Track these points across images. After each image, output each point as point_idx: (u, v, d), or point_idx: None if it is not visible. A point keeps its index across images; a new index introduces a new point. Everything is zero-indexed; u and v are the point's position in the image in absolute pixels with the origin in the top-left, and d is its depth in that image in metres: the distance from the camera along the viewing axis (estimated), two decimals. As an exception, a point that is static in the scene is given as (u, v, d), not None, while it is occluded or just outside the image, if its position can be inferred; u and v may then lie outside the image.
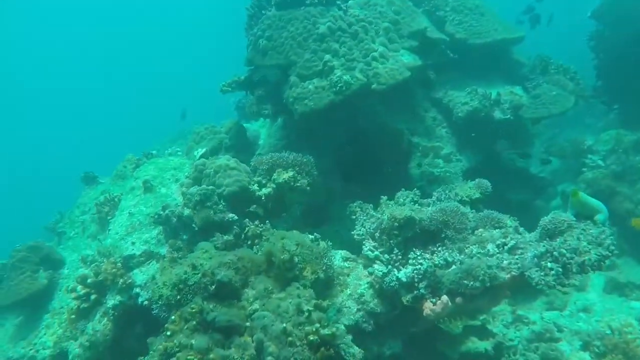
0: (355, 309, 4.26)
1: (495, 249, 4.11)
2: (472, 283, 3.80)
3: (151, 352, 3.66)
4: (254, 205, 4.96)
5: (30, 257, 6.00)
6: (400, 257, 4.30)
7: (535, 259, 3.79)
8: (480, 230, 4.38)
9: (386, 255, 4.36)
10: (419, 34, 6.09)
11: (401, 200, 4.98)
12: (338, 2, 5.91)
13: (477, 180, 5.28)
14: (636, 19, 7.91)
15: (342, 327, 4.14)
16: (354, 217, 5.04)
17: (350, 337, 4.02)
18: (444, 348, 5.02)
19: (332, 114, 5.60)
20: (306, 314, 3.53)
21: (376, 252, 4.41)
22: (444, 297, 3.89)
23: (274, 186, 4.93)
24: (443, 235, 4.38)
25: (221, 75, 6.76)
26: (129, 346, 4.88)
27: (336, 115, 5.75)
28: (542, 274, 3.66)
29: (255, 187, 4.99)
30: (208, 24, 39.68)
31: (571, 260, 3.61)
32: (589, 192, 7.67)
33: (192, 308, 3.64)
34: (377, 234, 4.52)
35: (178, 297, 3.84)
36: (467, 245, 4.25)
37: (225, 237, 4.59)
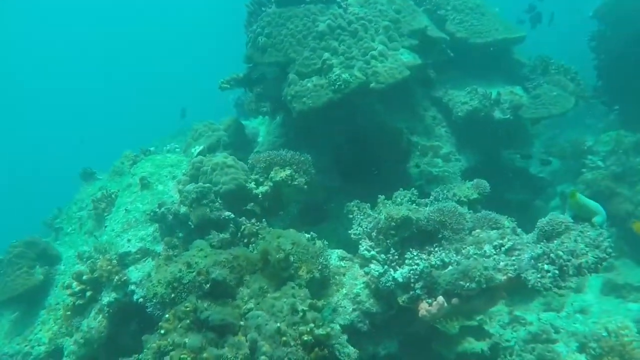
0: (351, 309, 4.25)
1: (492, 250, 4.09)
2: (468, 284, 3.79)
3: (145, 350, 3.65)
4: (251, 204, 4.94)
5: (27, 252, 5.97)
6: (396, 257, 4.28)
7: (532, 260, 3.77)
8: (478, 231, 4.37)
9: (382, 255, 4.34)
10: (420, 33, 6.06)
11: (399, 199, 4.97)
12: (338, 0, 5.88)
13: (475, 180, 5.26)
14: (637, 20, 7.86)
15: (338, 326, 4.12)
16: (351, 216, 5.02)
17: (345, 336, 4.00)
18: (440, 348, 5.00)
19: (330, 113, 5.57)
20: (301, 313, 3.51)
21: (373, 252, 4.39)
22: (440, 298, 3.88)
23: (271, 184, 4.91)
24: (440, 236, 4.36)
25: (222, 74, 6.74)
26: (124, 343, 4.86)
27: (335, 113, 5.72)
28: (538, 276, 3.64)
29: (253, 185, 4.97)
30: (208, 23, 39.66)
31: (568, 263, 3.59)
32: (589, 193, 7.69)
33: (186, 307, 3.63)
34: (374, 234, 4.50)
35: (172, 295, 3.82)
36: (464, 246, 4.23)
37: (222, 235, 4.57)
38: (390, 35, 5.75)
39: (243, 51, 6.30)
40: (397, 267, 4.22)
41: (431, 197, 5.19)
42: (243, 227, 4.61)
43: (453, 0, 7.68)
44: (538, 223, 4.12)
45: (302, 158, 5.12)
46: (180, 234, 4.77)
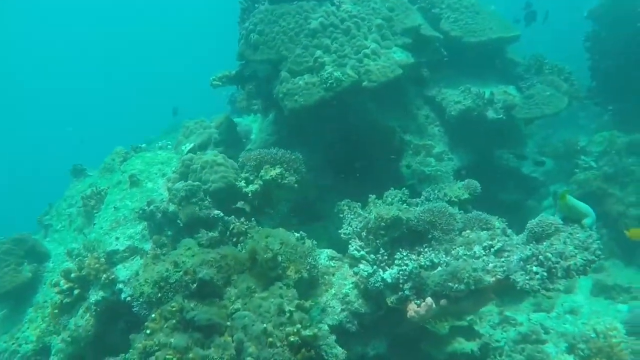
0: (340, 309, 4.23)
1: (482, 251, 4.07)
2: (456, 285, 3.77)
3: (131, 350, 3.62)
4: (241, 202, 4.90)
5: (15, 249, 5.92)
6: (386, 257, 4.26)
7: (521, 262, 3.76)
8: (468, 231, 4.35)
9: (372, 255, 4.31)
10: (413, 31, 6.02)
11: (389, 199, 4.94)
12: (331, -2, 5.84)
13: (466, 180, 5.24)
14: (633, 21, 7.85)
15: (326, 327, 4.11)
16: (341, 215, 4.99)
17: (333, 337, 3.99)
18: (429, 348, 4.99)
19: (322, 111, 5.54)
20: (287, 314, 3.49)
21: (362, 252, 4.37)
22: (428, 299, 3.86)
23: (261, 183, 4.88)
24: (430, 236, 4.35)
25: (219, 72, 6.72)
26: (112, 342, 4.83)
27: (327, 111, 5.69)
28: (527, 277, 3.62)
29: (242, 183, 4.93)
30: (206, 21, 39.50)
31: (556, 265, 3.58)
32: (581, 193, 7.70)
33: (173, 306, 3.60)
34: (364, 234, 4.48)
35: (159, 294, 3.79)
36: (453, 247, 4.22)
37: (210, 234, 4.54)
38: (383, 33, 5.72)
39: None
40: (387, 268, 4.20)
41: (422, 197, 5.17)
42: (232, 225, 4.57)
43: (447, -2, 7.64)
44: (528, 224, 4.11)
45: (293, 156, 5.09)
46: (169, 232, 4.73)
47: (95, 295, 4.75)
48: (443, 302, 3.87)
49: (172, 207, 4.65)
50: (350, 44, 5.52)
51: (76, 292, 4.98)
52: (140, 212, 4.85)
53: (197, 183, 4.69)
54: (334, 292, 4.33)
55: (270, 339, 3.36)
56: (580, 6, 9.38)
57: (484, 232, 4.29)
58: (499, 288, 3.96)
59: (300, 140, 6.12)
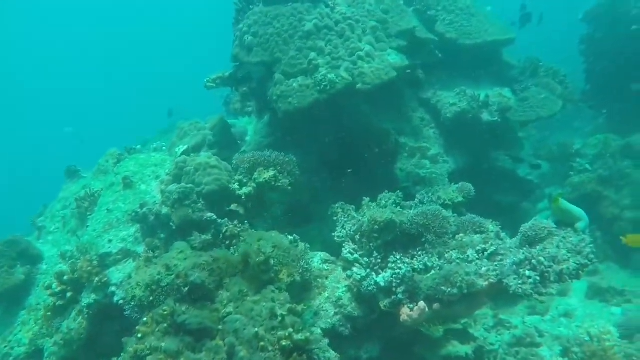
0: (333, 313, 4.22)
1: (475, 255, 4.07)
2: (449, 289, 3.76)
3: (122, 354, 3.60)
4: (234, 205, 4.88)
5: (7, 251, 5.87)
6: (379, 260, 4.25)
7: (514, 266, 3.75)
8: (461, 235, 4.35)
9: (365, 259, 4.31)
10: (408, 34, 6.01)
11: (383, 202, 4.93)
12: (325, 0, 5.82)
13: (460, 183, 5.24)
14: (627, 24, 7.87)
15: (319, 330, 4.10)
16: (335, 218, 4.98)
17: (327, 341, 3.98)
18: (423, 352, 4.98)
19: (317, 113, 5.52)
20: (279, 318, 3.48)
21: (355, 255, 4.36)
22: (421, 303, 3.85)
23: (255, 185, 4.86)
24: (423, 240, 4.34)
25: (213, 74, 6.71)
26: (105, 345, 4.80)
27: (321, 114, 5.67)
28: (519, 282, 3.62)
29: (236, 186, 4.91)
30: (207, 22, 39.39)
31: (549, 269, 3.57)
32: (576, 196, 7.71)
33: (164, 310, 3.58)
34: (357, 237, 4.47)
35: (151, 298, 3.77)
36: (447, 250, 4.21)
37: (203, 237, 4.51)
38: (377, 35, 5.71)
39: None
40: (380, 271, 4.19)
41: (416, 199, 5.17)
42: (225, 228, 4.55)
43: (443, 0, 7.64)
44: (521, 228, 4.11)
45: (287, 159, 5.07)
46: (162, 235, 4.71)
47: (87, 298, 4.72)
48: (436, 306, 3.86)
49: (165, 210, 4.63)
50: (345, 46, 5.51)
51: (69, 294, 4.95)
52: (133, 214, 4.82)
53: (190, 185, 4.66)
54: (327, 295, 4.32)
55: (262, 343, 3.34)
56: (578, 8, 9.37)
57: (478, 235, 4.29)
58: (492, 292, 3.96)
59: (294, 143, 6.10)
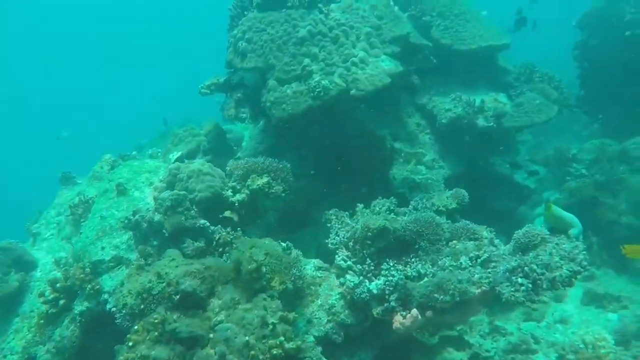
0: (326, 320, 4.19)
1: (468, 262, 4.05)
2: (442, 297, 3.74)
3: (113, 362, 3.59)
4: (228, 212, 4.86)
5: (1, 258, 5.85)
6: (372, 267, 4.23)
7: (507, 273, 3.73)
8: (455, 242, 4.33)
9: (359, 266, 4.29)
10: (402, 40, 6.02)
11: (377, 209, 4.91)
12: (320, 5, 5.82)
13: (454, 190, 5.22)
14: (621, 29, 7.89)
15: (312, 338, 4.08)
16: (329, 225, 4.96)
17: (319, 348, 3.96)
18: (418, 359, 4.97)
19: (311, 119, 5.53)
20: (270, 326, 3.46)
21: (349, 262, 4.34)
22: (414, 311, 3.83)
23: (248, 192, 4.84)
24: (417, 246, 4.32)
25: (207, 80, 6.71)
26: (97, 353, 4.78)
27: (316, 120, 5.68)
28: (512, 289, 3.60)
29: (229, 192, 4.89)
30: (209, 23, 39.40)
31: (541, 276, 3.56)
32: (572, 202, 7.70)
33: (155, 318, 3.56)
34: (351, 244, 4.45)
35: (142, 306, 3.75)
36: (440, 257, 4.19)
37: (196, 244, 4.50)
38: (371, 41, 5.71)
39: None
40: (373, 278, 4.17)
41: (410, 206, 5.15)
42: (218, 236, 4.54)
43: (439, 6, 7.65)
44: (515, 235, 4.09)
45: (280, 165, 5.06)
46: (155, 242, 4.68)
47: (80, 306, 4.70)
48: (429, 313, 3.84)
49: (157, 217, 4.61)
50: (339, 53, 5.51)
51: (62, 302, 4.92)
52: (126, 221, 4.81)
53: (183, 192, 4.65)
54: (320, 302, 4.30)
55: (253, 352, 3.32)
56: (577, 11, 9.38)
57: (471, 242, 4.27)
58: (486, 299, 3.95)
59: (289, 149, 6.10)
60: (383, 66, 5.55)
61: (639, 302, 5.95)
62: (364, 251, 4.31)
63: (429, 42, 6.88)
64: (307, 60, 5.45)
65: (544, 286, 3.55)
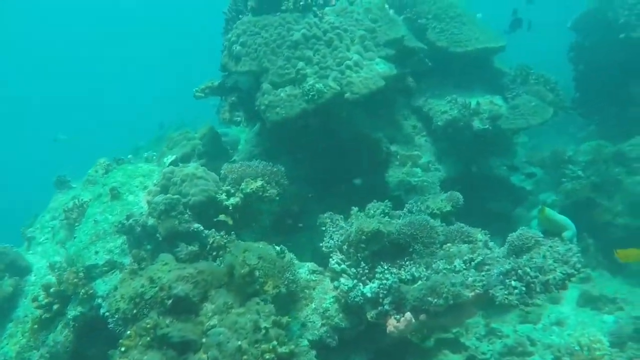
0: (320, 324, 4.19)
1: (462, 265, 4.04)
2: (435, 300, 3.74)
3: (105, 368, 3.57)
4: (222, 215, 4.85)
5: (-5, 263, 5.84)
6: (367, 271, 4.22)
7: (501, 276, 3.73)
8: (449, 244, 4.32)
9: (353, 269, 4.28)
10: (396, 43, 6.01)
11: (371, 212, 4.90)
12: (314, 9, 5.82)
13: (449, 192, 5.22)
14: (615, 32, 7.89)
15: (306, 342, 4.07)
16: (323, 228, 4.95)
17: (313, 352, 3.95)
18: (414, 362, 4.96)
19: (305, 123, 5.52)
20: (263, 331, 3.45)
21: (343, 266, 4.34)
22: (408, 314, 3.82)
23: (242, 196, 4.83)
24: (411, 250, 4.31)
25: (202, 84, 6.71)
26: (91, 358, 4.77)
27: (311, 123, 5.67)
28: (505, 292, 3.60)
29: (224, 196, 4.88)
30: (209, 23, 39.34)
31: (535, 280, 3.56)
32: (569, 203, 7.70)
33: (147, 323, 3.54)
34: (345, 247, 4.44)
35: (134, 311, 3.75)
36: (434, 260, 4.18)
37: (190, 248, 4.49)
38: (366, 45, 5.71)
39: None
40: (367, 282, 4.16)
41: (405, 209, 5.14)
42: (212, 239, 4.52)
43: (434, 9, 7.66)
44: (508, 237, 4.09)
45: (275, 169, 5.06)
46: (149, 247, 4.68)
47: (73, 311, 4.69)
48: (422, 316, 3.83)
49: (151, 221, 4.60)
50: (333, 56, 5.51)
51: (55, 307, 4.91)
52: (120, 225, 4.80)
53: (177, 196, 4.64)
54: (314, 306, 4.29)
55: (245, 357, 3.31)
56: (574, 12, 9.37)
57: (465, 245, 4.27)
58: (480, 302, 3.94)
59: (284, 152, 6.09)
60: (377, 69, 5.55)
61: (635, 303, 5.94)
62: (358, 254, 4.30)
63: (425, 44, 6.89)
64: (301, 64, 5.45)
65: (538, 289, 3.55)
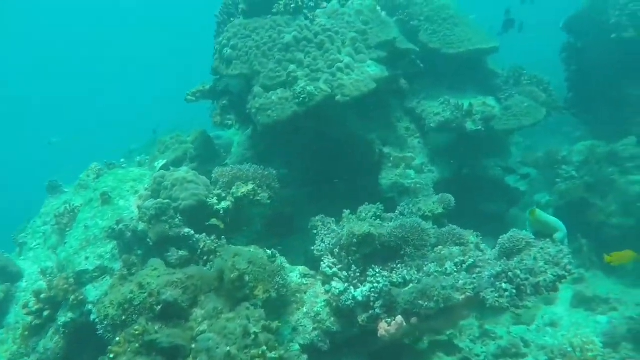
0: (311, 328, 4.16)
1: (454, 268, 4.03)
2: (426, 303, 3.72)
3: (94, 376, 3.54)
4: (213, 219, 4.82)
5: (-14, 269, 5.80)
6: (358, 274, 4.20)
7: (492, 279, 3.71)
8: (440, 247, 4.31)
9: (344, 273, 4.26)
10: (388, 45, 6.00)
11: (363, 214, 4.88)
12: (305, 12, 5.81)
13: (440, 195, 5.21)
14: (607, 32, 7.90)
15: (297, 347, 4.05)
16: (315, 231, 4.93)
17: (305, 356, 3.93)
18: (407, 364, 4.93)
19: (297, 125, 5.50)
20: (253, 336, 3.42)
21: (334, 269, 4.31)
22: (399, 318, 3.80)
23: (233, 200, 4.81)
24: (403, 252, 4.29)
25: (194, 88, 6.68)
26: (82, 364, 4.74)
27: (302, 126, 5.65)
28: (496, 295, 3.58)
29: (215, 200, 4.85)
30: (209, 23, 39.23)
31: (525, 282, 3.54)
32: (562, 204, 7.69)
33: (136, 329, 3.51)
34: (337, 250, 4.42)
35: (123, 317, 3.71)
36: (425, 263, 4.17)
37: (180, 253, 4.46)
38: (357, 47, 5.69)
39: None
40: (359, 285, 4.14)
41: (397, 211, 5.13)
42: (202, 244, 4.50)
43: (427, 10, 7.66)
44: (499, 240, 4.08)
45: (266, 172, 5.04)
46: (139, 252, 4.64)
47: (64, 317, 4.65)
48: (413, 320, 3.81)
49: (141, 226, 4.57)
50: (324, 58, 5.50)
51: (46, 313, 4.88)
52: (110, 231, 4.76)
53: (167, 201, 4.61)
54: (305, 310, 4.27)
55: (234, 363, 3.28)
56: (568, 12, 9.37)
57: (457, 247, 4.25)
58: (472, 303, 3.92)
59: (276, 155, 6.08)
60: (369, 71, 5.53)
61: (628, 304, 5.93)
62: (350, 258, 4.28)
63: (417, 46, 6.87)
64: (292, 67, 5.43)
65: (528, 291, 3.54)
